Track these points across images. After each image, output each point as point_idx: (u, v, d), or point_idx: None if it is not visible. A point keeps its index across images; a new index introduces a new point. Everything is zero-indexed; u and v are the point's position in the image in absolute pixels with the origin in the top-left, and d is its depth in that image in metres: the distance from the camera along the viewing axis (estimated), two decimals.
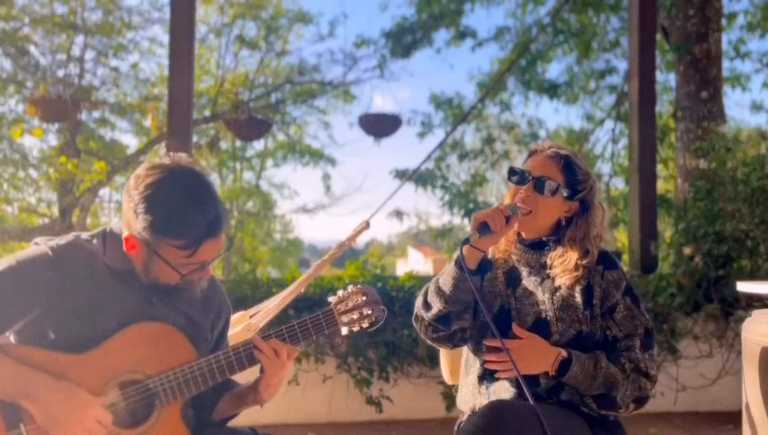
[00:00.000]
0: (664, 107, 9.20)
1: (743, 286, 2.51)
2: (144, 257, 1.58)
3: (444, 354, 2.23)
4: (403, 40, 10.41)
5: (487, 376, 1.89)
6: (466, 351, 2.02)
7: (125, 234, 1.58)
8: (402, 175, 9.25)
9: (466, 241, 1.78)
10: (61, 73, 9.41)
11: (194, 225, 1.53)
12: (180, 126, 4.70)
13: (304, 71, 12.87)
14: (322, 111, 13.85)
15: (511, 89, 10.67)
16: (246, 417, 1.83)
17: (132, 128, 11.79)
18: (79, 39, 9.88)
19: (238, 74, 12.36)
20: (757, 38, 9.13)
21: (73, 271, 1.56)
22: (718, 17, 6.53)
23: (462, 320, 1.87)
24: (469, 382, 1.96)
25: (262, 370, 1.65)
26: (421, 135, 10.90)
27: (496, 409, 1.69)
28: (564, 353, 1.79)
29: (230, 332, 2.21)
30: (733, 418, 3.18)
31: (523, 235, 1.95)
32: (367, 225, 2.90)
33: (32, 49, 9.85)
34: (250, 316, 2.61)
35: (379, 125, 7.61)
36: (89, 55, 10.21)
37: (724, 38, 7.99)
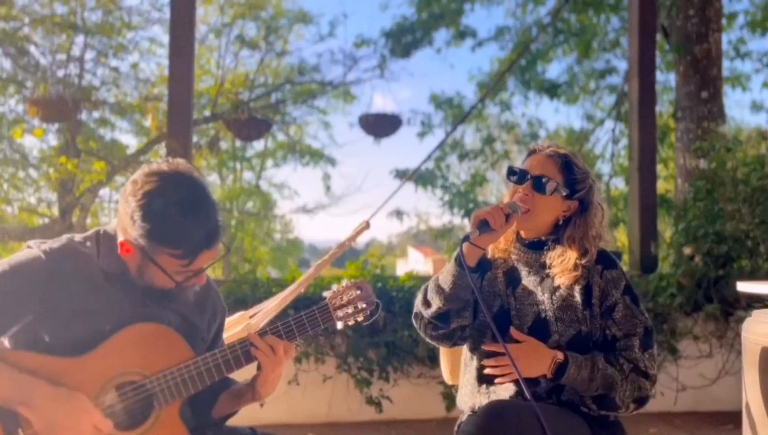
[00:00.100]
0: (664, 107, 9.20)
1: (743, 286, 2.51)
2: (139, 262, 1.57)
3: (444, 354, 2.23)
4: (403, 40, 10.40)
5: (486, 376, 1.89)
6: (465, 350, 2.02)
7: (121, 238, 1.57)
8: (402, 175, 9.26)
9: (466, 238, 1.79)
10: (61, 73, 9.41)
11: (193, 235, 1.53)
12: (180, 126, 4.70)
13: (304, 71, 12.89)
14: (322, 111, 13.88)
15: (511, 89, 10.69)
16: (246, 417, 1.83)
17: (132, 128, 11.82)
18: (79, 39, 9.89)
19: (238, 74, 12.37)
20: (758, 37, 9.12)
21: (66, 275, 1.55)
22: (718, 17, 6.53)
23: (462, 318, 1.87)
24: (467, 381, 1.96)
25: (259, 367, 1.65)
26: (421, 135, 10.91)
27: (496, 409, 1.69)
28: (560, 356, 1.79)
29: (230, 332, 2.21)
30: (733, 418, 3.17)
31: (523, 234, 1.96)
32: (367, 225, 2.90)
33: (32, 49, 9.86)
34: (250, 317, 2.61)
35: (379, 125, 7.61)
36: (89, 55, 10.23)
37: (724, 38, 8.00)
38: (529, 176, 1.89)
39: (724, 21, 7.50)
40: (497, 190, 12.99)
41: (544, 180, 1.87)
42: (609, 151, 9.52)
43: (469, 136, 11.82)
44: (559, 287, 1.86)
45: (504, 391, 1.85)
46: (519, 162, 2.00)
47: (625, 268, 2.04)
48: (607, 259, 1.89)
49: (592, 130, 10.20)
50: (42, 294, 1.53)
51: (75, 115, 7.70)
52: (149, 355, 1.57)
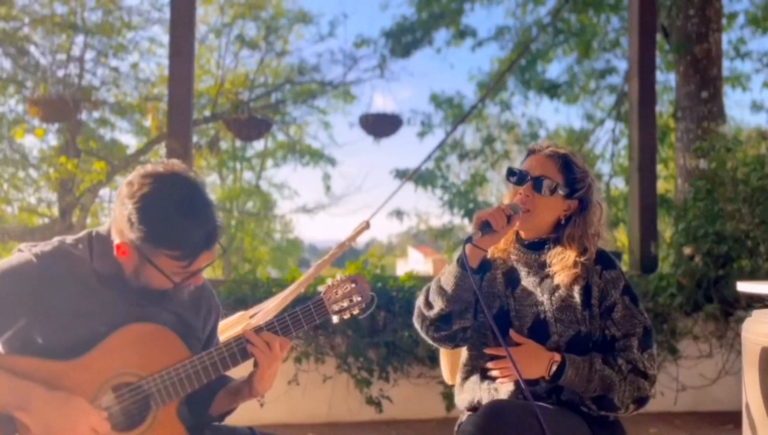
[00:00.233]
0: (664, 107, 9.20)
1: (743, 286, 2.51)
2: (136, 264, 1.56)
3: (444, 354, 2.23)
4: (403, 40, 10.40)
5: (486, 372, 1.90)
6: (463, 350, 2.01)
7: (117, 241, 1.55)
8: (402, 175, 9.26)
9: (469, 239, 1.79)
10: (61, 73, 9.40)
11: (192, 237, 1.52)
12: (180, 126, 4.69)
13: (304, 71, 12.89)
14: (322, 111, 13.88)
15: (511, 89, 10.69)
16: (246, 417, 1.83)
17: (132, 128, 11.82)
18: (79, 39, 9.88)
19: (238, 74, 12.37)
20: (758, 35, 9.12)
21: (59, 277, 1.55)
22: (719, 17, 6.52)
23: (463, 320, 1.87)
24: (467, 379, 1.96)
25: (256, 364, 1.65)
26: (421, 135, 10.91)
27: (496, 409, 1.70)
28: (557, 358, 1.79)
29: (230, 332, 2.21)
30: (733, 418, 3.17)
31: (523, 234, 1.96)
32: (367, 225, 2.90)
33: (32, 49, 9.86)
34: (250, 317, 2.60)
35: (380, 125, 7.60)
36: (89, 55, 10.22)
37: (724, 38, 7.99)
38: (529, 177, 1.89)
39: (724, 21, 7.50)
40: (497, 190, 12.99)
41: (544, 180, 1.88)
42: (609, 151, 9.52)
43: (469, 136, 11.83)
44: (558, 288, 1.86)
45: (504, 389, 1.85)
46: (519, 162, 2.00)
47: (625, 268, 2.04)
48: (606, 260, 1.90)
49: (592, 130, 10.20)
50: (34, 298, 1.52)
51: (75, 115, 7.70)
52: (145, 356, 1.56)
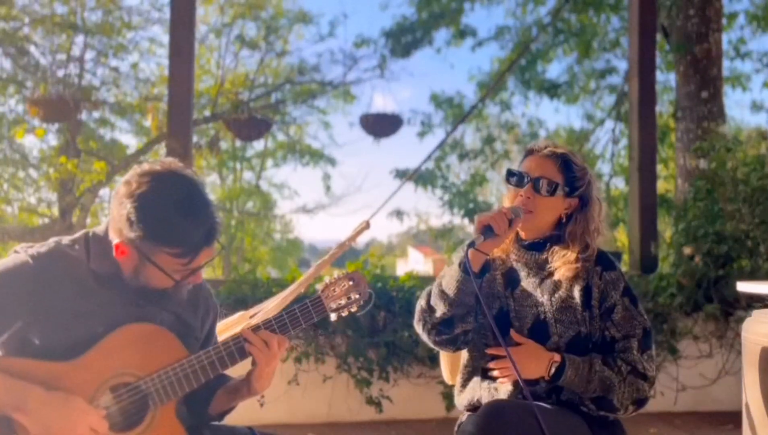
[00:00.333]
0: (664, 107, 9.20)
1: (743, 286, 2.51)
2: (135, 263, 1.56)
3: (444, 354, 2.23)
4: (403, 40, 10.41)
5: (486, 373, 1.90)
6: (464, 351, 2.01)
7: (116, 241, 1.55)
8: (402, 175, 9.26)
9: (471, 244, 1.78)
10: (61, 73, 9.40)
11: (192, 234, 1.52)
12: (180, 126, 4.69)
13: (304, 71, 12.89)
14: (322, 111, 13.89)
15: (511, 89, 10.69)
16: (246, 417, 1.83)
17: (132, 128, 11.83)
18: (79, 39, 9.89)
19: (238, 74, 12.37)
20: (759, 34, 9.13)
21: (55, 278, 1.54)
22: (719, 17, 6.52)
23: (465, 323, 1.87)
24: (467, 378, 1.96)
25: (254, 363, 1.64)
26: (421, 135, 10.92)
27: (496, 409, 1.70)
28: (557, 358, 1.79)
29: (230, 333, 2.21)
30: (733, 418, 3.17)
31: (523, 235, 1.96)
32: (367, 225, 2.89)
33: (32, 49, 9.87)
34: (250, 317, 2.60)
35: (380, 125, 7.60)
36: (89, 55, 10.23)
37: (724, 38, 7.99)
38: (529, 178, 1.89)
39: (724, 21, 7.50)
40: (497, 190, 12.99)
41: (545, 181, 1.88)
42: (609, 151, 9.53)
43: (469, 136, 11.84)
44: (558, 288, 1.86)
45: (504, 389, 1.86)
46: (517, 163, 2.01)
47: (625, 268, 2.05)
48: (606, 261, 1.90)
49: (592, 130, 10.21)
50: (31, 299, 1.51)
51: (75, 115, 7.70)
52: (143, 356, 1.56)
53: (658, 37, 6.32)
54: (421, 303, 1.93)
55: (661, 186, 8.09)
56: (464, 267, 1.79)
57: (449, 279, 1.84)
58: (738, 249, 4.67)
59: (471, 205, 9.99)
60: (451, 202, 9.99)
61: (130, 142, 11.87)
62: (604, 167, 9.54)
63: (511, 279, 1.92)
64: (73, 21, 9.58)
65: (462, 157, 10.87)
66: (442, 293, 1.85)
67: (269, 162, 16.03)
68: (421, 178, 9.76)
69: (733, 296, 4.50)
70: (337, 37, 14.90)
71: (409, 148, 25.92)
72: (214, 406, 1.75)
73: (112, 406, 1.54)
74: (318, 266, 2.81)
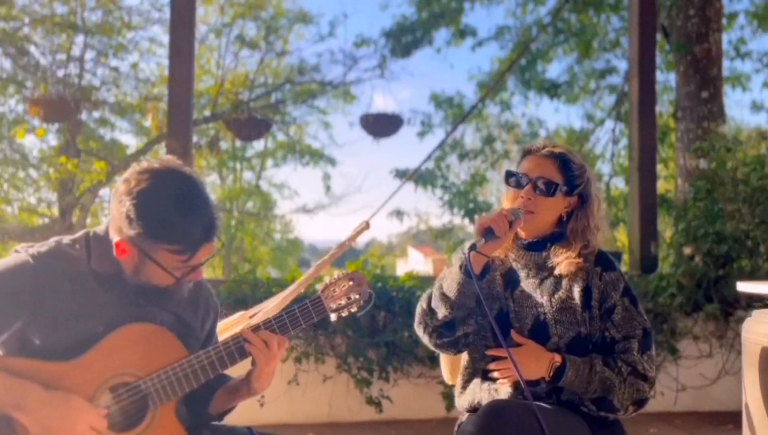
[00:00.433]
0: (664, 107, 9.20)
1: (743, 286, 2.51)
2: (136, 261, 1.56)
3: (444, 354, 2.23)
4: (403, 40, 10.41)
5: (486, 374, 1.90)
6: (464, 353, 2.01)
7: (116, 239, 1.55)
8: (402, 175, 9.26)
9: (473, 247, 1.78)
10: (61, 73, 9.41)
11: (191, 230, 1.52)
12: (180, 126, 4.69)
13: (304, 71, 12.89)
14: (322, 111, 13.89)
15: (511, 89, 10.70)
16: (246, 417, 1.83)
17: (132, 128, 11.83)
18: (79, 39, 9.89)
19: (238, 74, 12.38)
20: (760, 33, 9.13)
21: (56, 278, 1.54)
22: (719, 17, 6.52)
23: (466, 326, 1.87)
24: (467, 380, 1.96)
25: (253, 363, 1.64)
26: (421, 134, 10.92)
27: (496, 409, 1.69)
28: (557, 359, 1.79)
29: (230, 333, 2.20)
30: (733, 418, 3.17)
31: (523, 235, 1.96)
32: (366, 225, 2.89)
33: (32, 49, 9.87)
34: (250, 317, 2.60)
35: (380, 125, 7.61)
36: (89, 55, 10.24)
37: (724, 38, 7.99)
38: (528, 179, 1.90)
39: (724, 21, 7.50)
40: (497, 190, 12.98)
41: (544, 181, 1.88)
42: (609, 151, 9.53)
43: (469, 136, 11.84)
44: (558, 289, 1.86)
45: (504, 390, 1.85)
46: (516, 163, 2.01)
47: (625, 268, 2.05)
48: (606, 261, 1.90)
49: (592, 130, 10.21)
50: (31, 298, 1.51)
51: (75, 115, 7.70)
52: (143, 356, 1.56)
53: (658, 37, 6.32)
54: (421, 306, 1.93)
55: (661, 186, 8.09)
56: (465, 269, 1.79)
57: (450, 281, 1.84)
58: (738, 249, 4.67)
59: (471, 205, 10.00)
60: (451, 202, 10.00)
61: (130, 142, 11.89)
62: (604, 167, 9.55)
63: (511, 280, 1.92)
64: (73, 21, 9.58)
65: (462, 157, 10.87)
66: (443, 296, 1.84)
67: (269, 162, 16.05)
68: (421, 178, 9.76)
69: (733, 296, 4.50)
70: (337, 37, 14.91)
71: (409, 148, 25.95)
72: (214, 406, 1.75)
73: (112, 406, 1.54)
74: (318, 266, 2.81)
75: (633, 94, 5.25)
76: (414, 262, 27.47)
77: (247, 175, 16.28)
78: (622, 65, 9.55)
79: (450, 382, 2.23)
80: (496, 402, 1.77)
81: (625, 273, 1.97)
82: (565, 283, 1.87)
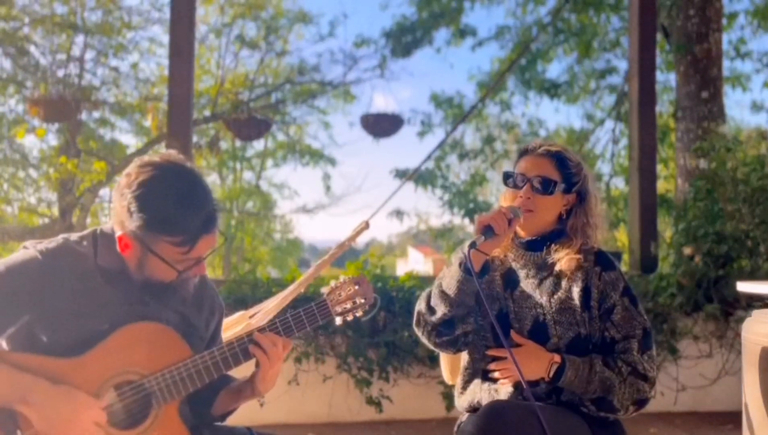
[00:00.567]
0: (664, 107, 9.20)
1: (743, 286, 2.51)
2: (138, 255, 1.57)
3: (444, 354, 2.23)
4: (404, 40, 10.41)
5: (486, 374, 1.90)
6: (464, 353, 2.01)
7: (118, 233, 1.56)
8: (402, 174, 9.26)
9: (473, 244, 1.78)
10: (61, 73, 9.40)
11: (191, 221, 1.53)
12: (180, 126, 4.69)
13: (304, 71, 12.89)
14: (322, 111, 13.88)
15: (511, 89, 10.70)
16: (246, 417, 1.83)
17: (132, 128, 11.83)
18: (79, 39, 9.89)
19: (238, 74, 12.36)
20: (761, 32, 9.12)
21: (63, 275, 1.55)
22: (719, 17, 6.52)
23: (466, 324, 1.87)
24: (467, 380, 1.96)
25: (257, 364, 1.65)
26: (421, 134, 10.92)
27: (496, 409, 1.69)
28: (557, 359, 1.79)
29: (230, 332, 2.21)
30: (733, 418, 3.17)
31: (523, 233, 1.96)
32: (366, 225, 2.89)
33: (32, 49, 9.85)
34: (250, 317, 2.60)
35: (380, 125, 7.61)
36: (89, 55, 10.22)
37: (724, 38, 7.99)
38: (527, 179, 1.90)
39: (724, 21, 7.50)
40: (497, 190, 12.96)
41: (542, 180, 1.88)
42: (609, 151, 9.53)
43: (469, 136, 11.84)
44: (557, 289, 1.86)
45: (504, 390, 1.85)
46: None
47: (625, 268, 2.05)
48: (605, 261, 1.90)
49: (592, 130, 10.21)
50: (38, 294, 1.53)
51: (75, 115, 7.70)
52: (147, 354, 1.57)
53: (658, 37, 6.32)
54: (420, 305, 1.93)
55: (661, 186, 8.09)
56: (465, 267, 1.79)
57: (450, 279, 1.84)
58: (738, 249, 4.67)
59: (471, 205, 10.00)
60: (451, 202, 10.00)
61: (130, 142, 11.89)
62: (604, 167, 9.55)
63: (510, 280, 1.92)
64: (73, 21, 9.58)
65: (462, 157, 10.87)
66: (443, 294, 1.84)
67: (269, 162, 16.05)
68: (421, 178, 9.77)
69: (733, 296, 4.50)
70: (337, 37, 14.92)
71: (409, 148, 25.98)
72: (217, 406, 1.76)
73: (116, 404, 1.55)
74: (318, 266, 2.81)
75: (633, 94, 5.25)
76: (414, 262, 27.48)
77: (247, 175, 16.30)
78: (622, 65, 9.55)
79: (450, 382, 2.23)
80: (496, 402, 1.77)
81: (625, 273, 1.96)
82: (564, 283, 1.86)
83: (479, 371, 1.92)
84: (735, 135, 7.80)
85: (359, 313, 1.73)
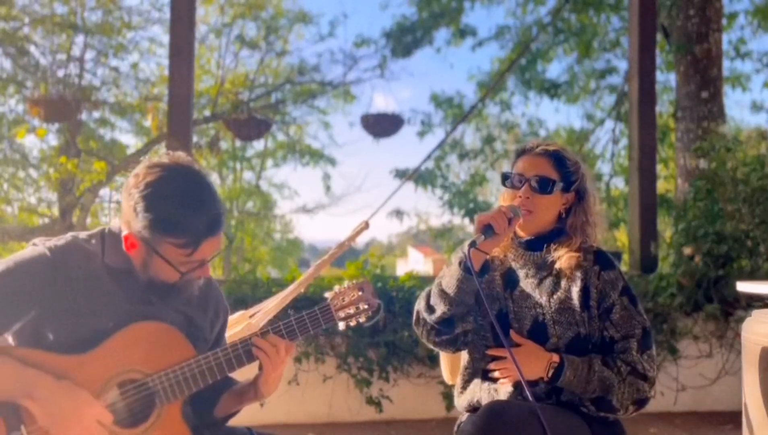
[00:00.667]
0: (664, 107, 9.21)
1: (743, 286, 2.51)
2: (143, 255, 1.58)
3: (444, 354, 2.23)
4: (404, 40, 10.41)
5: (486, 374, 1.90)
6: (464, 352, 2.01)
7: (124, 232, 1.58)
8: (402, 174, 9.27)
9: (473, 243, 1.79)
10: (61, 73, 9.41)
11: (195, 223, 1.54)
12: (180, 126, 4.69)
13: (304, 71, 12.89)
14: (322, 111, 13.88)
15: (511, 89, 10.70)
16: (246, 417, 1.83)
17: (132, 128, 11.84)
18: (79, 39, 9.89)
19: (238, 74, 12.37)
20: (761, 31, 9.13)
21: (70, 272, 1.56)
22: (719, 17, 6.53)
23: (465, 323, 1.88)
24: (467, 380, 1.96)
25: (260, 367, 1.66)
26: (421, 134, 10.92)
27: (495, 409, 1.69)
28: (556, 359, 1.79)
29: (230, 332, 2.21)
30: (733, 418, 3.17)
31: (522, 233, 1.96)
32: (366, 225, 2.89)
33: (32, 49, 9.86)
34: (250, 316, 2.61)
35: (381, 125, 7.62)
36: (89, 55, 10.23)
37: (724, 38, 8.00)
38: (525, 179, 1.90)
39: (724, 21, 7.51)
40: (497, 190, 12.90)
41: (541, 180, 1.88)
42: (609, 151, 9.54)
43: (469, 136, 11.85)
44: (557, 289, 1.86)
45: (504, 390, 1.85)
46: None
47: (625, 268, 2.06)
48: (605, 260, 1.89)
49: (592, 130, 10.21)
50: (46, 291, 1.54)
51: (75, 115, 7.70)
52: (151, 354, 1.58)
53: (658, 37, 6.32)
54: (419, 304, 1.93)
55: (661, 186, 8.10)
56: (465, 266, 1.79)
57: (449, 278, 1.84)
58: (738, 249, 4.67)
59: (471, 205, 10.01)
60: (451, 202, 10.00)
61: (130, 142, 11.90)
62: (604, 167, 9.55)
63: (510, 280, 1.92)
64: (73, 21, 9.59)
65: (462, 157, 10.88)
66: (443, 292, 1.85)
67: (269, 162, 16.05)
68: (421, 177, 9.77)
69: (733, 296, 4.50)
70: (337, 37, 14.93)
71: (409, 148, 26.02)
72: (220, 408, 1.76)
73: (119, 402, 1.56)
74: (317, 266, 2.81)
75: (633, 94, 5.25)
76: (414, 262, 27.48)
77: (247, 175, 16.30)
78: (622, 65, 9.56)
79: (450, 382, 2.23)
80: (496, 402, 1.77)
81: (625, 273, 1.96)
82: (564, 283, 1.86)
83: (479, 371, 1.92)
84: (735, 135, 7.80)
85: (362, 319, 1.74)
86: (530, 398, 1.67)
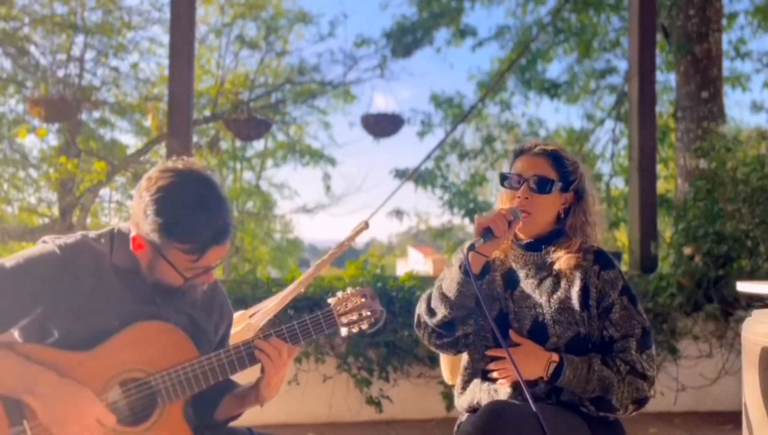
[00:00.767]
0: (664, 107, 9.21)
1: (743, 286, 2.51)
2: (150, 257, 1.59)
3: (444, 354, 2.23)
4: (404, 40, 10.42)
5: (486, 375, 1.90)
6: (464, 353, 2.01)
7: (133, 233, 1.59)
8: (402, 174, 9.27)
9: (472, 247, 1.78)
10: (61, 73, 9.42)
11: (202, 231, 1.55)
12: (180, 126, 4.69)
13: (304, 71, 12.89)
14: (322, 111, 13.88)
15: (511, 89, 10.70)
16: (246, 417, 1.83)
17: (132, 128, 11.84)
18: (79, 39, 9.90)
19: (238, 74, 12.37)
20: (761, 31, 9.13)
21: (79, 270, 1.58)
22: (719, 17, 6.53)
23: (466, 325, 1.88)
24: (467, 380, 1.96)
25: (262, 370, 1.66)
26: (421, 134, 10.93)
27: (495, 409, 1.69)
28: (555, 358, 1.79)
29: (233, 331, 2.21)
30: (733, 418, 3.17)
31: (522, 235, 1.96)
32: (366, 225, 2.89)
33: (32, 49, 9.86)
34: (250, 316, 2.61)
35: (381, 125, 7.62)
36: (89, 55, 10.24)
37: (724, 38, 8.00)
38: (524, 179, 1.90)
39: (724, 21, 7.51)
40: (497, 190, 12.88)
41: (540, 180, 1.88)
42: (609, 151, 9.54)
43: (469, 136, 11.85)
44: (557, 289, 1.86)
45: (503, 391, 1.86)
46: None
47: (625, 268, 2.05)
48: (604, 260, 1.89)
49: (592, 130, 10.21)
50: (55, 288, 1.55)
51: (75, 115, 7.70)
52: (154, 353, 1.58)
53: (658, 37, 6.32)
54: (420, 307, 1.93)
55: (661, 186, 8.10)
56: (464, 269, 1.79)
57: (449, 281, 1.84)
58: (738, 249, 4.67)
59: (471, 205, 10.01)
60: (451, 202, 10.01)
61: (130, 142, 11.90)
62: (604, 167, 9.55)
63: (510, 280, 1.92)
64: (73, 21, 9.59)
65: (462, 156, 10.88)
66: (443, 296, 1.85)
67: (269, 162, 16.04)
68: (420, 177, 9.77)
69: (733, 296, 4.50)
70: (337, 37, 14.92)
71: (409, 148, 26.03)
72: (221, 410, 1.77)
73: (121, 401, 1.56)
74: (317, 266, 2.81)
75: (633, 94, 5.25)
76: (414, 262, 27.49)
77: (247, 175, 16.30)
78: (622, 65, 9.56)
79: (450, 382, 2.23)
80: (496, 402, 1.77)
81: (625, 273, 1.96)
82: (563, 283, 1.86)
83: (479, 371, 1.92)
84: (735, 135, 7.80)
85: (365, 326, 1.75)
86: (529, 399, 1.67)
